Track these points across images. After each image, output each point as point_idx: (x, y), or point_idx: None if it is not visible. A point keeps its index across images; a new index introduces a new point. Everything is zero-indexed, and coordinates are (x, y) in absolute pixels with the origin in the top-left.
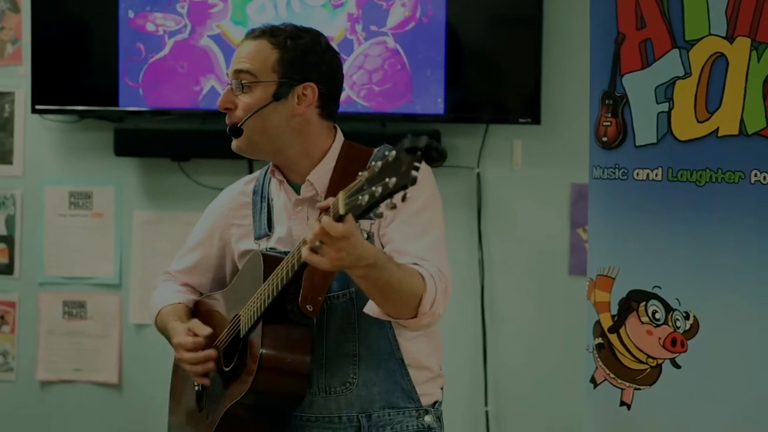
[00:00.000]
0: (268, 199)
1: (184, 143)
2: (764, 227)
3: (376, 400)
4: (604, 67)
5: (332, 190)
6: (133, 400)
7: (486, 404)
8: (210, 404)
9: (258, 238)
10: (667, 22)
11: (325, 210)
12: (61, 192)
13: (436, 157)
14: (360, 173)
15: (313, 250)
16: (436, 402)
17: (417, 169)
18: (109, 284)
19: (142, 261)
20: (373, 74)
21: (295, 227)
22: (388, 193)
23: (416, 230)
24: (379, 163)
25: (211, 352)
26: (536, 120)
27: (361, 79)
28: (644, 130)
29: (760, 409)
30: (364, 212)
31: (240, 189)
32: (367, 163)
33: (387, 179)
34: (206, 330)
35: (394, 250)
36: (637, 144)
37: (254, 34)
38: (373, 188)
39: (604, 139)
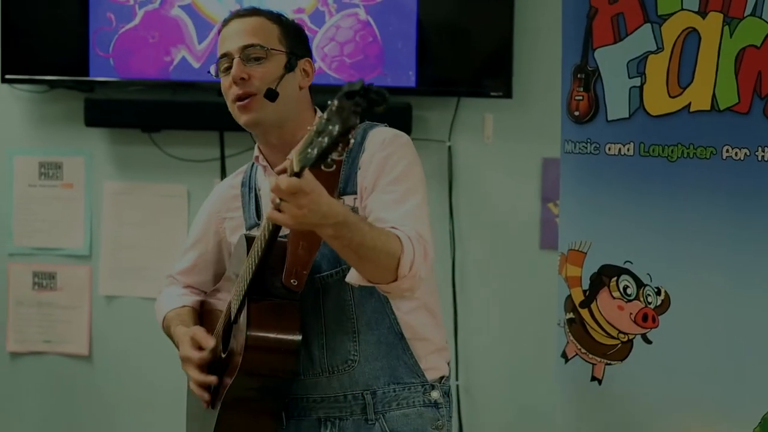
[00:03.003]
0: (256, 189)
1: (154, 114)
2: (735, 203)
3: (379, 376)
4: (576, 41)
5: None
6: (103, 372)
7: (457, 378)
8: (215, 394)
9: (249, 228)
10: None
11: (283, 171)
12: (30, 162)
13: (376, 98)
14: (308, 127)
15: (277, 210)
16: (442, 377)
17: (358, 112)
18: (79, 255)
19: (113, 232)
20: (345, 46)
21: None
22: (334, 140)
23: (394, 198)
24: (324, 114)
25: (212, 379)
26: (508, 93)
27: (333, 51)
28: (616, 105)
29: (731, 384)
30: (316, 162)
31: (230, 182)
32: None
33: (330, 127)
34: (210, 342)
35: (374, 219)
36: (609, 119)
37: (243, 14)
38: (320, 139)
39: (576, 113)
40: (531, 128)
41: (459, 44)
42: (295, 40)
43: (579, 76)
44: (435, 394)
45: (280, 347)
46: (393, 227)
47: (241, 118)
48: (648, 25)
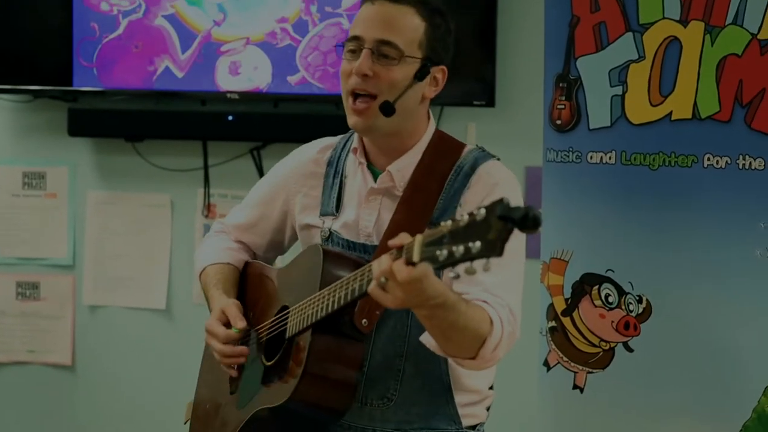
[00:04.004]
0: (342, 176)
1: (138, 124)
2: (717, 211)
3: (414, 421)
4: (558, 50)
5: (411, 188)
6: (87, 382)
7: None
8: (243, 391)
9: (323, 214)
10: (621, 5)
11: (398, 248)
12: (14, 172)
13: (530, 226)
14: (443, 223)
15: (382, 288)
16: (478, 424)
17: (506, 241)
18: (63, 265)
19: (96, 242)
20: (328, 55)
21: (364, 216)
22: (470, 258)
23: (495, 259)
24: (466, 218)
25: (243, 350)
26: (490, 102)
27: (316, 60)
28: (598, 114)
29: (712, 392)
30: (440, 267)
31: (313, 156)
32: (454, 163)
33: (471, 243)
34: (242, 323)
35: (467, 277)
36: (590, 127)
37: None
38: (454, 247)
39: (558, 122)
40: (514, 137)
41: None
42: (438, 44)
43: (561, 84)
44: None
45: (336, 385)
46: (485, 300)
47: (350, 119)
48: (629, 34)
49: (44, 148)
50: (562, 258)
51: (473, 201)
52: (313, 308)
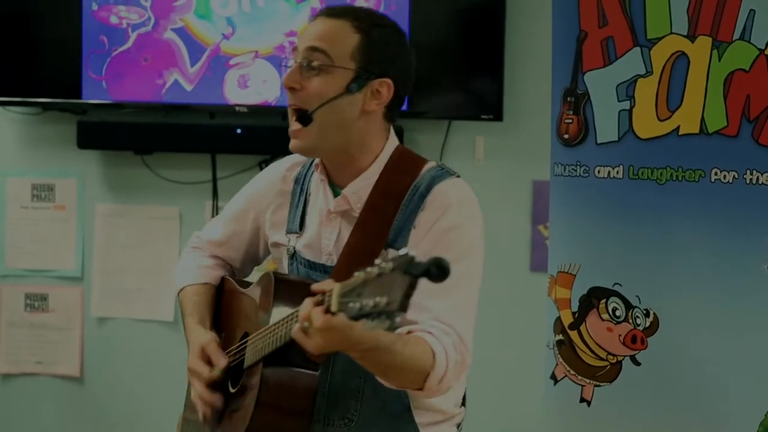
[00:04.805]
0: (306, 194)
1: (146, 136)
2: (724, 226)
3: None
4: (566, 65)
5: (367, 209)
6: (95, 394)
7: None
8: (214, 417)
9: (289, 232)
10: (629, 20)
11: (321, 293)
12: (23, 184)
13: (436, 275)
14: (357, 273)
15: (303, 330)
16: None
17: (409, 296)
18: (71, 277)
19: (105, 254)
20: None
21: (325, 235)
22: (378, 312)
23: (443, 284)
24: (375, 270)
25: (217, 399)
26: (498, 117)
27: None
28: (606, 128)
29: (719, 406)
30: (356, 318)
31: (282, 173)
32: (413, 181)
33: (379, 298)
34: (223, 361)
35: (415, 303)
36: (598, 141)
37: (334, 12)
38: (365, 300)
39: (566, 136)
40: (521, 151)
41: (450, 67)
42: (377, 56)
43: (569, 99)
44: None
45: (291, 416)
46: (429, 331)
47: (291, 143)
48: (637, 49)
49: (53, 161)
50: (569, 272)
51: (427, 223)
52: (263, 341)
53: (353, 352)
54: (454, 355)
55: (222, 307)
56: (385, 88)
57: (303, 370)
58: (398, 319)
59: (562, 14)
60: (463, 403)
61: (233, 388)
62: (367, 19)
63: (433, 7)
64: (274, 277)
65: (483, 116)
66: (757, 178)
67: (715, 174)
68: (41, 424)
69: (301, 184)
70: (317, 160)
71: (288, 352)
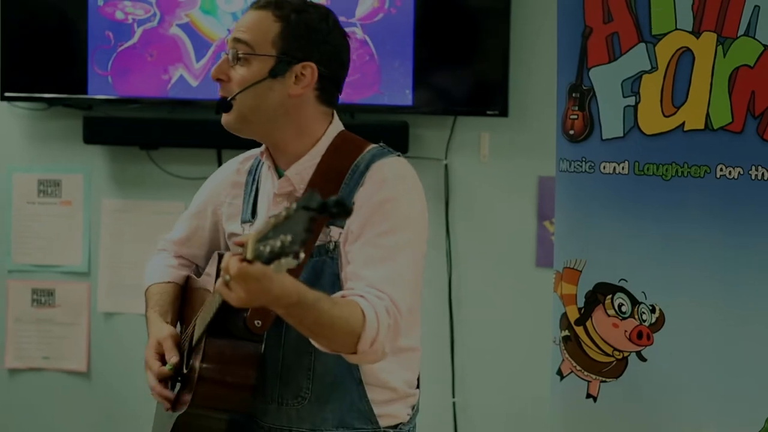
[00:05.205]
0: (257, 183)
1: (152, 132)
2: (729, 221)
3: (328, 419)
4: (571, 61)
5: (309, 189)
6: (102, 389)
7: (453, 395)
8: (176, 399)
9: (243, 221)
10: (634, 16)
11: (241, 245)
12: (29, 180)
13: (337, 212)
14: (269, 216)
15: (225, 283)
16: (399, 423)
17: (311, 230)
18: (78, 272)
19: (111, 249)
20: None
21: None
22: (285, 251)
23: (379, 254)
24: (283, 212)
25: (169, 395)
26: (504, 112)
27: None
28: (611, 124)
29: (725, 402)
30: (269, 261)
31: (236, 167)
32: (354, 161)
33: (283, 236)
34: (175, 358)
35: (351, 272)
36: (603, 137)
37: (259, 4)
38: (273, 241)
39: (571, 132)
40: (527, 147)
41: (455, 63)
42: (298, 42)
43: (574, 95)
44: None
45: (234, 387)
46: (362, 295)
47: (222, 119)
48: (642, 45)
49: (59, 156)
50: (575, 267)
51: (364, 197)
52: (206, 312)
53: (278, 307)
54: (386, 319)
55: (186, 303)
56: (308, 71)
57: (243, 342)
58: (302, 255)
59: (567, 10)
60: (418, 386)
61: (186, 369)
62: (288, 7)
63: (439, 3)
64: (218, 255)
65: (488, 112)
66: (763, 173)
67: (721, 170)
68: (48, 419)
69: (253, 174)
70: (263, 148)
71: (230, 326)
